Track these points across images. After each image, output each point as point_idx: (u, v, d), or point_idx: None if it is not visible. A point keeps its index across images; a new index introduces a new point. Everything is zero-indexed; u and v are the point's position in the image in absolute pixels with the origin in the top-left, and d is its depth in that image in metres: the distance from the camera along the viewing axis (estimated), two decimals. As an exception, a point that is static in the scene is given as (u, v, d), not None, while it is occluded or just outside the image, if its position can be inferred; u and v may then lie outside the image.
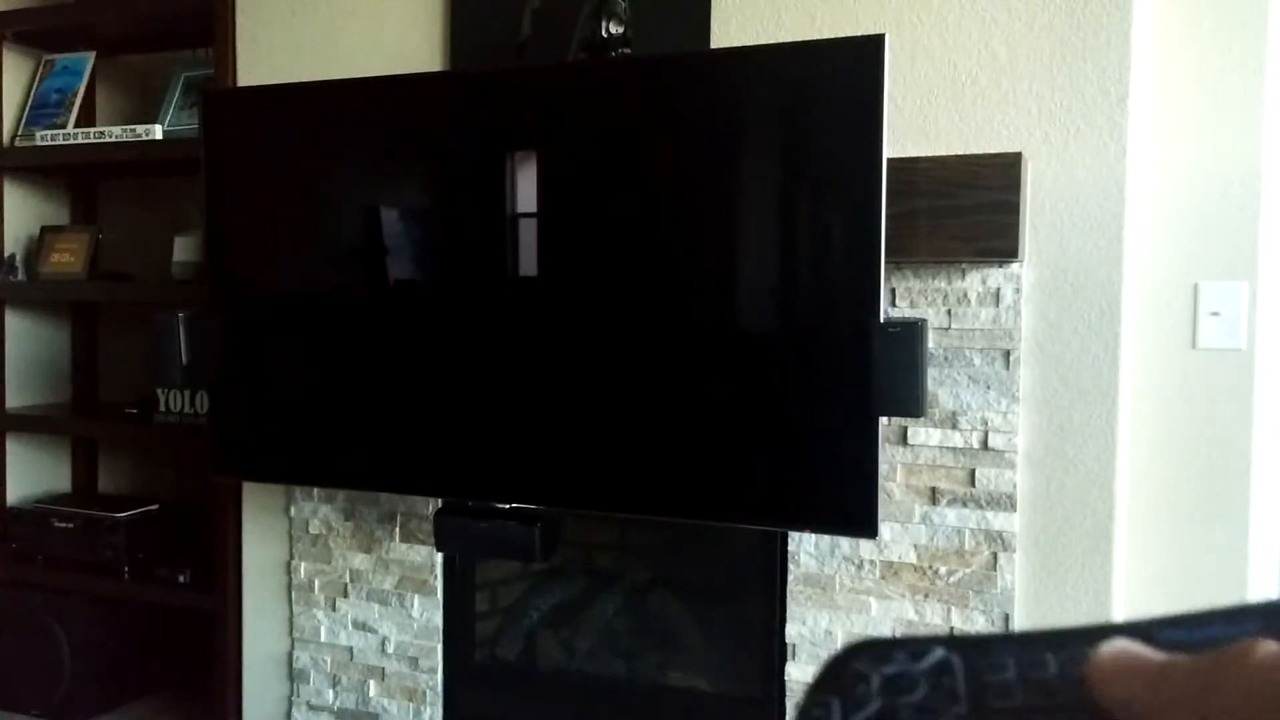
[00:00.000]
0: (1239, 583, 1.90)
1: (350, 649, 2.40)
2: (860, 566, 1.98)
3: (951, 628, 1.92)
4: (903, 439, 1.93)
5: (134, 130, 2.60)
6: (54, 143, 2.70)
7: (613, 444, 1.92)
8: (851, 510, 1.75)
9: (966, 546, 1.91)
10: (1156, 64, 1.91)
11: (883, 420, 1.77)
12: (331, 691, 2.42)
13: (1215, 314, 1.90)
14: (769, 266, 1.85)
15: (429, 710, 2.33)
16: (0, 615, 2.74)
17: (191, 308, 2.23)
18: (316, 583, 2.42)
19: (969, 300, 1.88)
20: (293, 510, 2.43)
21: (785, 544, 2.03)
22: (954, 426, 1.90)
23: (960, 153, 1.85)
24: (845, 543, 1.98)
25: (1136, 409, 1.92)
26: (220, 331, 2.19)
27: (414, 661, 2.34)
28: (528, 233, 1.95)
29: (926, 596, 1.93)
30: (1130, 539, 1.94)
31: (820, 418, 1.78)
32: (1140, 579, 1.94)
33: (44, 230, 2.86)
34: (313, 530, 2.41)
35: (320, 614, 2.42)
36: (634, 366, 1.90)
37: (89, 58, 2.83)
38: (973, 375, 1.89)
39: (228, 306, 2.19)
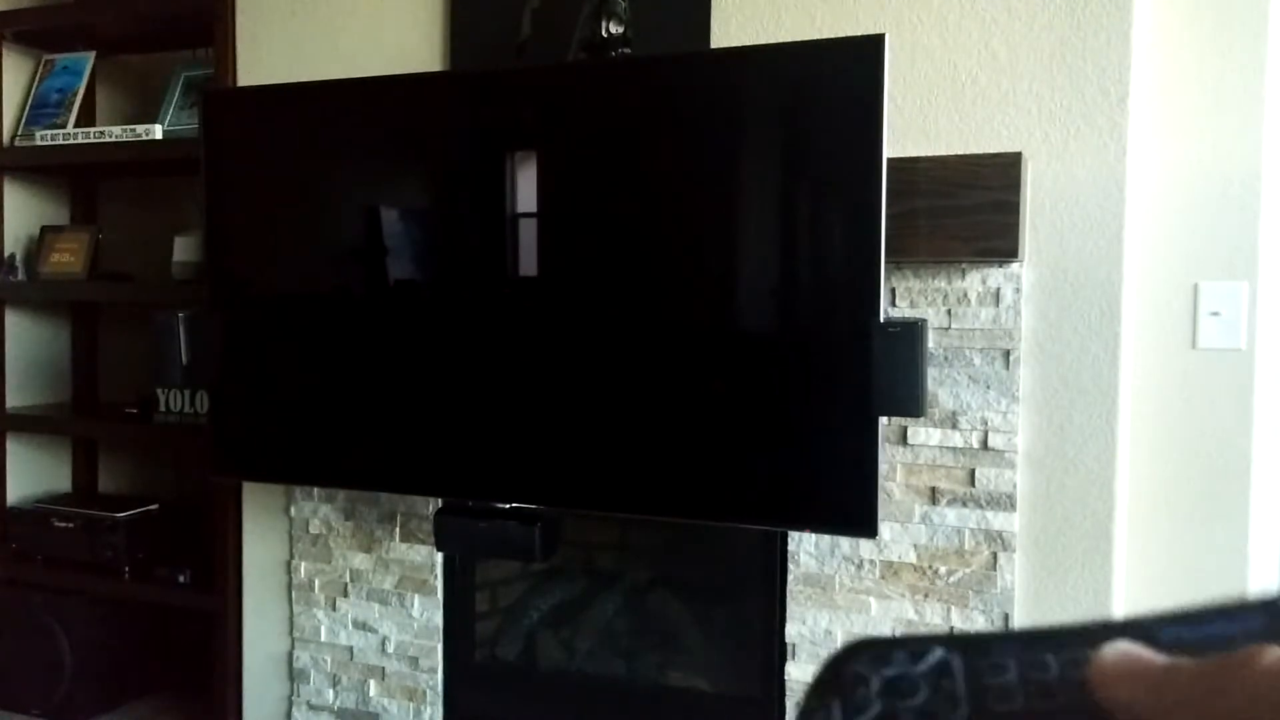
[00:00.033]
0: (1239, 583, 1.90)
1: (350, 649, 2.40)
2: (860, 566, 1.98)
3: (951, 627, 1.92)
4: (903, 439, 1.93)
5: (134, 130, 2.60)
6: (54, 143, 2.70)
7: (613, 444, 1.92)
8: (851, 510, 1.75)
9: (966, 546, 1.91)
10: (1156, 64, 1.91)
11: (883, 420, 1.77)
12: (332, 691, 2.43)
13: (1215, 314, 1.90)
14: (769, 266, 1.85)
15: (429, 710, 2.33)
16: (0, 615, 2.74)
17: (191, 308, 2.23)
18: (316, 582, 2.42)
19: (969, 300, 1.88)
20: (293, 510, 2.43)
21: (785, 544, 2.03)
22: (954, 426, 1.90)
23: (960, 153, 1.85)
24: (845, 542, 1.98)
25: (1136, 409, 1.92)
26: (220, 331, 2.19)
27: (414, 661, 2.34)
28: (528, 233, 1.95)
29: (926, 596, 1.94)
30: (1130, 539, 1.94)
31: (820, 418, 1.78)
32: (1140, 579, 1.94)
33: (44, 230, 2.86)
34: (313, 530, 2.41)
35: (320, 614, 2.42)
36: (634, 366, 1.90)
37: (89, 58, 2.83)
38: (973, 375, 1.89)
39: (228, 306, 2.19)
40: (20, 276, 2.81)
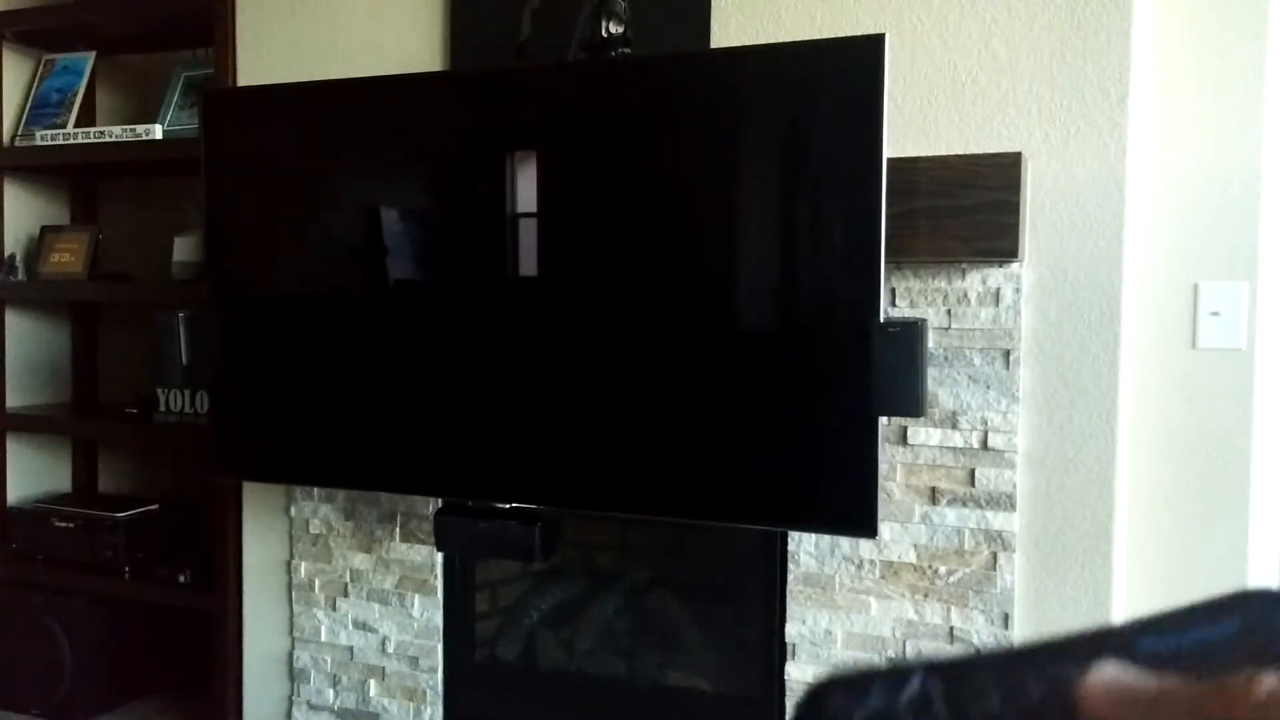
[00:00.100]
0: (1239, 583, 1.90)
1: (350, 649, 2.40)
2: (860, 566, 1.98)
3: (951, 627, 1.92)
4: (903, 439, 1.93)
5: (134, 130, 2.60)
6: (54, 143, 2.70)
7: (613, 444, 1.92)
8: (851, 510, 1.75)
9: (966, 546, 1.91)
10: (1156, 64, 1.91)
11: (883, 420, 1.77)
12: (332, 691, 2.43)
13: (1215, 314, 1.90)
14: (769, 266, 1.85)
15: (429, 710, 2.33)
16: (0, 615, 2.74)
17: (191, 308, 2.23)
18: (317, 582, 2.42)
19: (969, 300, 1.88)
20: (293, 510, 2.43)
21: (785, 544, 2.03)
22: (954, 426, 1.90)
23: (960, 153, 1.85)
24: (845, 542, 1.98)
25: (1136, 409, 1.92)
26: (220, 331, 2.19)
27: (414, 661, 2.34)
28: (528, 233, 1.95)
29: (926, 596, 1.94)
30: (1130, 539, 1.94)
31: (820, 418, 1.78)
32: (1140, 579, 1.94)
33: (44, 230, 2.86)
34: (313, 530, 2.41)
35: (320, 614, 2.42)
36: (634, 366, 1.90)
37: (89, 58, 2.83)
38: (973, 375, 1.89)
39: (228, 306, 2.19)
40: (20, 276, 2.81)
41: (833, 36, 1.86)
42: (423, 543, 2.30)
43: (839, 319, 1.76)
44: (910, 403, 1.71)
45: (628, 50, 1.97)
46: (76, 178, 2.99)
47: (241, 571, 2.51)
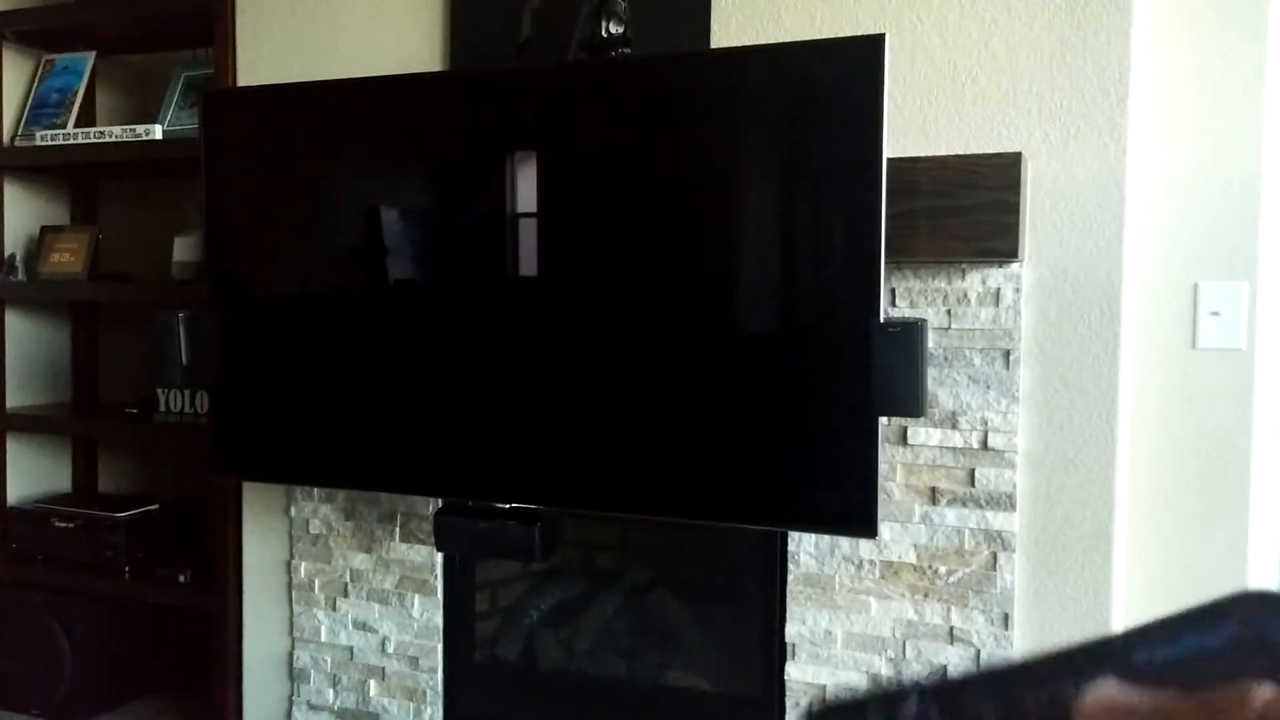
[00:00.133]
0: (1239, 583, 1.90)
1: (350, 649, 2.40)
2: (860, 566, 1.98)
3: (951, 627, 1.92)
4: (903, 439, 1.93)
5: (134, 130, 2.60)
6: (54, 143, 2.70)
7: (612, 444, 1.92)
8: (851, 510, 1.75)
9: (966, 546, 1.91)
10: (1156, 64, 1.91)
11: (883, 420, 1.77)
12: (332, 691, 2.43)
13: (1215, 314, 1.90)
14: (769, 266, 1.85)
15: (429, 710, 2.33)
16: (0, 615, 2.74)
17: (191, 308, 2.23)
18: (317, 582, 2.42)
19: (969, 300, 1.88)
20: (293, 510, 2.43)
21: (785, 544, 2.03)
22: (954, 426, 1.90)
23: (960, 153, 1.85)
24: (845, 543, 1.98)
25: (1136, 409, 1.92)
26: (220, 331, 2.19)
27: (414, 661, 2.34)
28: (528, 233, 1.95)
29: (926, 596, 1.94)
30: (1130, 539, 1.94)
31: (820, 418, 1.78)
32: (1140, 579, 1.94)
33: (44, 230, 2.86)
34: (313, 530, 2.41)
35: (320, 614, 2.42)
36: (634, 366, 1.90)
37: (89, 58, 2.83)
38: (973, 375, 1.89)
39: (228, 306, 2.19)
40: (20, 276, 2.81)
41: (833, 36, 1.86)
42: (423, 543, 2.30)
43: (839, 319, 1.76)
44: (910, 403, 1.71)
45: (628, 50, 1.97)
46: (76, 178, 2.99)
47: (241, 571, 2.51)
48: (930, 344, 1.87)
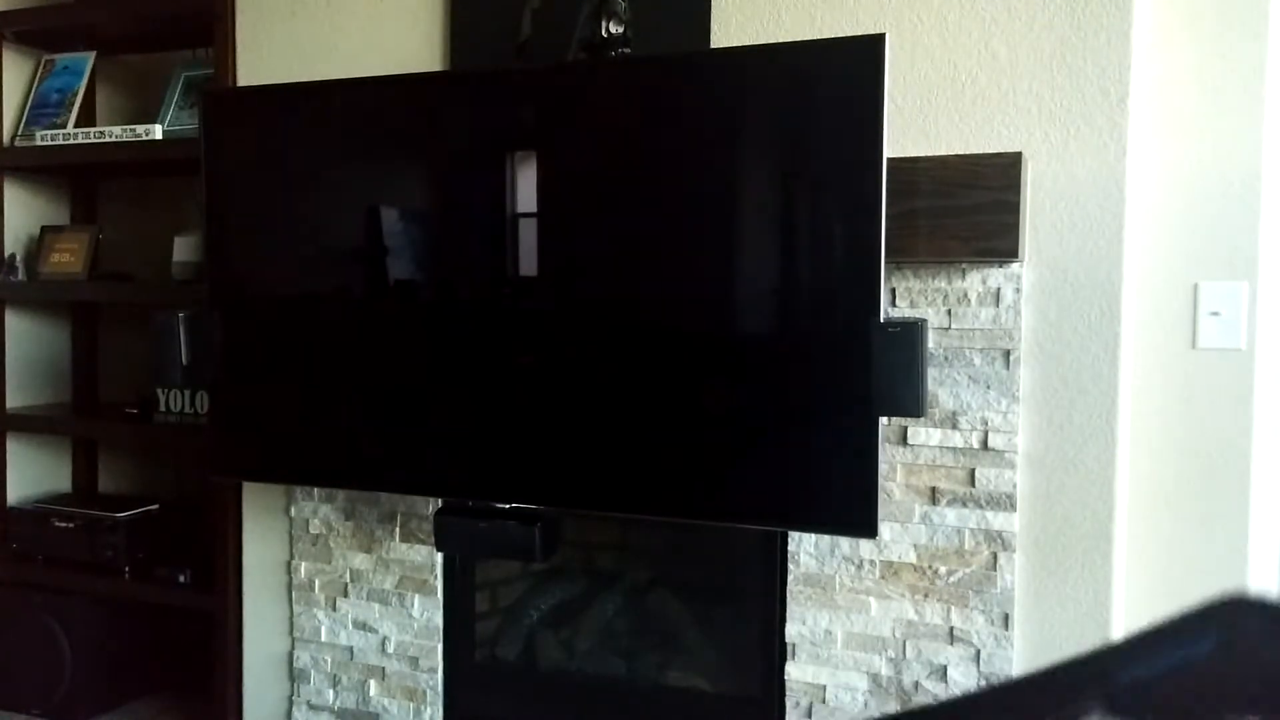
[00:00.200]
0: (1239, 583, 1.90)
1: (350, 649, 2.40)
2: (860, 566, 1.98)
3: (951, 628, 1.92)
4: (903, 439, 1.93)
5: (134, 130, 2.60)
6: (54, 143, 2.70)
7: (613, 444, 1.92)
8: (851, 510, 1.75)
9: (966, 546, 1.91)
10: (1156, 64, 1.91)
11: (883, 420, 1.77)
12: (332, 691, 2.43)
13: (1215, 314, 1.90)
14: (769, 266, 1.84)
15: (429, 710, 2.33)
16: (0, 615, 2.74)
17: (191, 308, 2.23)
18: (317, 582, 2.42)
19: (969, 300, 1.88)
20: (293, 510, 2.43)
21: (785, 544, 2.03)
22: (954, 426, 1.90)
23: (960, 153, 1.85)
24: (845, 543, 1.98)
25: (1136, 409, 1.92)
26: (220, 331, 2.19)
27: (414, 661, 2.34)
28: (528, 233, 1.95)
29: (926, 596, 1.94)
30: (1130, 539, 1.94)
31: (820, 418, 1.78)
32: (1140, 579, 1.94)
33: (44, 230, 2.86)
34: (313, 530, 2.41)
35: (320, 614, 2.42)
36: (634, 366, 1.90)
37: (89, 58, 2.83)
38: (973, 375, 1.89)
39: (228, 306, 2.19)
40: (20, 276, 2.81)
41: (833, 36, 1.86)
42: (423, 543, 2.30)
43: (839, 319, 1.76)
44: (910, 403, 1.71)
45: (628, 50, 1.97)
46: (76, 178, 2.99)
47: (241, 571, 2.51)
48: (930, 344, 1.87)
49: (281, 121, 2.16)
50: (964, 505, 1.90)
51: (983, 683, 1.90)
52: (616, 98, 1.91)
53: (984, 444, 1.88)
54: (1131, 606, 1.94)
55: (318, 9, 2.34)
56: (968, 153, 1.84)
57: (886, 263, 1.70)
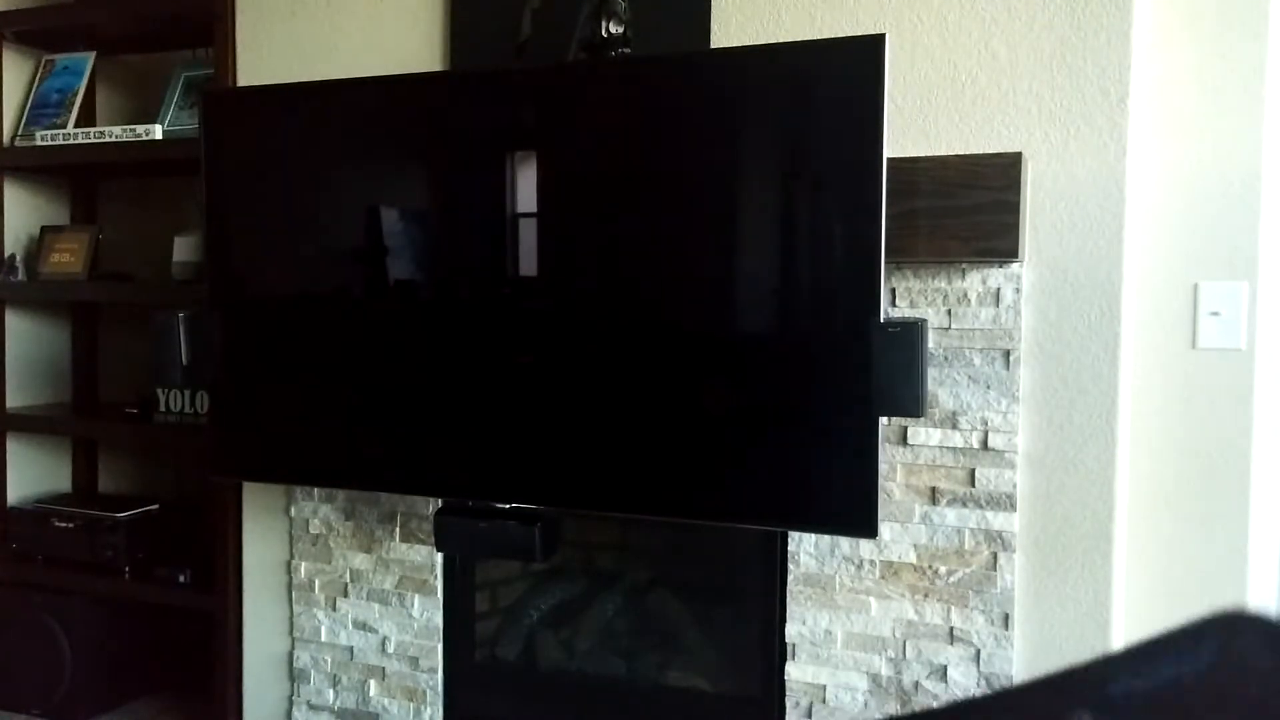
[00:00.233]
0: (1239, 583, 1.90)
1: (350, 649, 2.40)
2: (860, 566, 1.98)
3: (951, 628, 1.92)
4: (903, 439, 1.93)
5: (134, 130, 2.60)
6: (54, 143, 2.70)
7: (613, 444, 1.92)
8: (852, 510, 1.75)
9: (966, 546, 1.91)
10: (1156, 64, 1.91)
11: (883, 420, 1.77)
12: (332, 691, 2.43)
13: (1215, 314, 1.90)
14: (769, 266, 1.84)
15: (429, 710, 2.33)
16: (0, 615, 2.74)
17: (191, 308, 2.23)
18: (317, 582, 2.42)
19: (969, 300, 1.88)
20: (293, 510, 2.43)
21: (785, 544, 2.03)
22: (954, 426, 1.90)
23: (960, 153, 1.85)
24: (845, 542, 1.98)
25: (1136, 409, 1.92)
26: (220, 331, 2.19)
27: (414, 661, 2.34)
28: (528, 233, 1.95)
29: (926, 596, 1.94)
30: (1130, 539, 1.94)
31: (820, 418, 1.78)
32: (1140, 579, 1.94)
33: (44, 230, 2.86)
34: (313, 530, 2.41)
35: (320, 614, 2.42)
36: (634, 366, 1.90)
37: (89, 58, 2.83)
38: (973, 375, 1.89)
39: (228, 306, 2.19)
40: (20, 276, 2.81)
41: (833, 36, 1.86)
42: (423, 543, 2.30)
43: (839, 319, 1.76)
44: (910, 403, 1.71)
45: (628, 50, 1.97)
46: (76, 178, 2.99)
47: (241, 571, 2.51)
48: (930, 344, 1.87)
49: (281, 121, 2.16)
50: (964, 505, 1.90)
51: (982, 682, 1.90)
52: (616, 98, 1.91)
53: (984, 444, 1.88)
54: (1131, 606, 1.94)
55: (318, 9, 2.34)
56: (968, 153, 1.84)
57: (886, 263, 1.70)
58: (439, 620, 2.32)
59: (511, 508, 2.04)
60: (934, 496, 1.92)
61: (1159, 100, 1.91)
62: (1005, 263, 1.84)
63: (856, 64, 1.69)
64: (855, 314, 1.72)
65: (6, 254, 2.82)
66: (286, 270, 2.19)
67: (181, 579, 2.61)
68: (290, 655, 2.47)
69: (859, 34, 1.80)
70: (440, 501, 2.18)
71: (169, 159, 2.56)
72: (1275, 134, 1.88)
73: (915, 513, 1.94)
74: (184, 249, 2.61)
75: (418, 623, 2.33)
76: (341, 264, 2.14)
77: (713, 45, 2.01)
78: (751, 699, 2.13)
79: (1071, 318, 1.84)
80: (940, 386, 1.90)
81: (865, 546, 1.97)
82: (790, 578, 2.02)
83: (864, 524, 1.76)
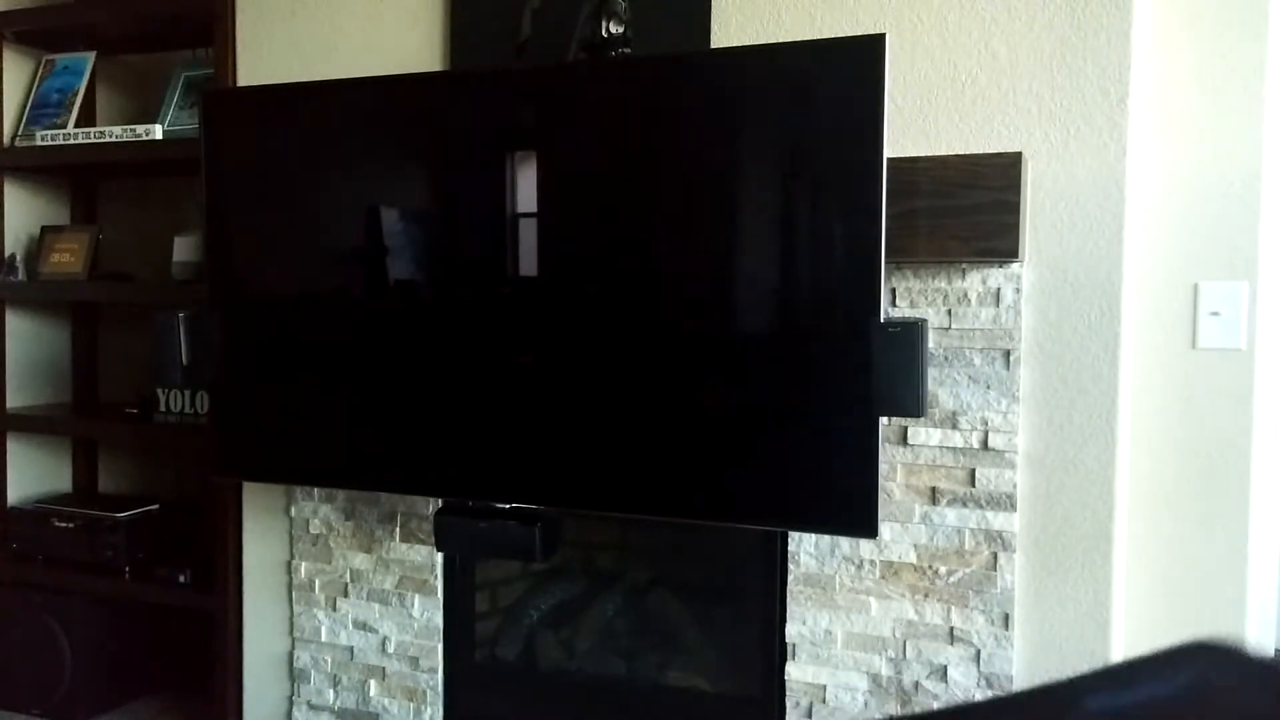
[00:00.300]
0: (1239, 583, 1.90)
1: (350, 649, 2.40)
2: (860, 566, 1.98)
3: (951, 628, 1.92)
4: (903, 439, 1.93)
5: (134, 130, 2.60)
6: (54, 143, 2.70)
7: (613, 444, 1.92)
8: (852, 510, 1.75)
9: (966, 546, 1.91)
10: (1156, 64, 1.91)
11: (883, 420, 1.77)
12: (332, 691, 2.43)
13: (1215, 314, 1.90)
14: (769, 266, 1.84)
15: (429, 710, 2.33)
16: (0, 615, 2.74)
17: (191, 308, 2.23)
18: (317, 582, 2.42)
19: (969, 300, 1.88)
20: (293, 510, 2.43)
21: (785, 544, 2.03)
22: (954, 426, 1.90)
23: (960, 153, 1.85)
24: (845, 543, 1.98)
25: (1136, 409, 1.92)
26: (220, 331, 2.19)
27: (414, 661, 2.34)
28: (528, 233, 1.95)
29: (926, 596, 1.94)
30: (1130, 539, 1.94)
31: (820, 418, 1.78)
32: (1140, 579, 1.94)
33: (44, 230, 2.86)
34: (313, 530, 2.41)
35: (320, 614, 2.42)
36: (634, 366, 1.90)
37: (89, 58, 2.83)
38: (973, 375, 1.89)
39: (228, 306, 2.19)
40: (20, 276, 2.81)
41: (833, 36, 1.86)
42: (423, 543, 2.30)
43: (839, 319, 1.76)
44: (910, 403, 1.71)
45: (628, 50, 1.97)
46: (76, 178, 3.00)
47: (241, 571, 2.51)
48: (930, 344, 1.87)
49: (281, 121, 2.16)
50: (964, 505, 1.90)
51: (983, 683, 1.90)
52: (616, 98, 1.91)
53: (984, 444, 1.88)
54: (1131, 606, 1.94)
55: (318, 9, 2.34)
56: (968, 153, 1.84)
57: (886, 263, 1.70)
58: (439, 620, 2.32)
59: (511, 508, 2.04)
60: (934, 496, 1.92)
61: (1159, 100, 1.91)
62: (1005, 263, 1.84)
63: (856, 64, 1.69)
64: (855, 314, 1.72)
65: (6, 254, 2.82)
66: (286, 270, 2.19)
67: (181, 579, 2.61)
68: (290, 655, 2.47)
69: (859, 34, 1.80)
70: (440, 501, 2.18)
71: (169, 159, 2.56)
72: (1275, 134, 1.88)
73: (915, 513, 1.94)
74: (184, 249, 2.61)
75: (418, 623, 2.33)
76: (341, 264, 2.14)
77: (713, 45, 2.01)
78: (751, 699, 2.13)
79: (1071, 318, 1.84)
80: (940, 386, 1.90)
81: (865, 546, 1.97)
82: (790, 578, 2.02)
83: (864, 524, 1.76)
